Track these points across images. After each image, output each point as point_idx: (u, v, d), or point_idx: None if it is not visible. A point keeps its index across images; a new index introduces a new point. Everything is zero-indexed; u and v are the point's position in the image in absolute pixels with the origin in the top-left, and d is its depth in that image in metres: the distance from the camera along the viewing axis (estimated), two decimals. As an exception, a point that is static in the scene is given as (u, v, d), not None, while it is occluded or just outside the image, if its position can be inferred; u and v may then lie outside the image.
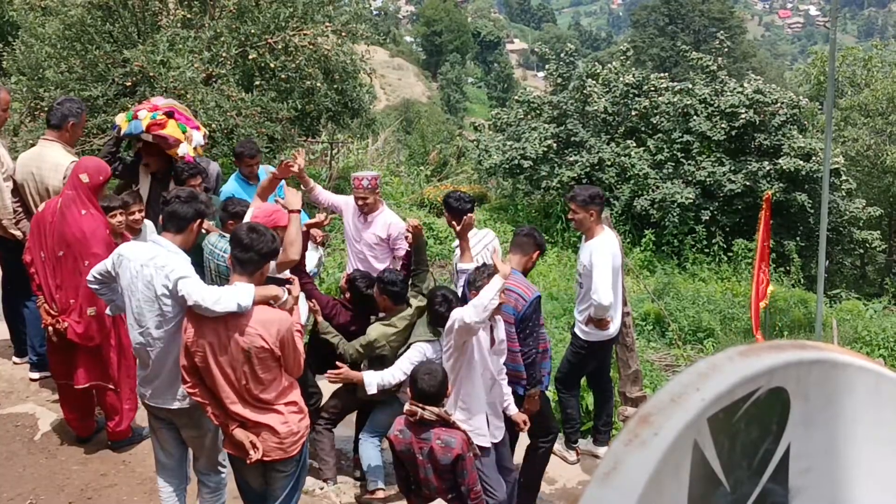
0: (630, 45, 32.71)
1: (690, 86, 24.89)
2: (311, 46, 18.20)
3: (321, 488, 8.01)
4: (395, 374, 7.38)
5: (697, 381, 1.35)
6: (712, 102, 24.12)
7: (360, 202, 8.99)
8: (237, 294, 5.62)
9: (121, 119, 8.85)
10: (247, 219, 7.12)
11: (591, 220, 8.25)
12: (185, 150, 9.24)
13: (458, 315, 6.74)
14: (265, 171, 9.92)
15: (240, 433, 5.87)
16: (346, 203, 9.25)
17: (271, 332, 5.69)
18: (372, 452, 7.93)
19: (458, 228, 7.85)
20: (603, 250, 8.25)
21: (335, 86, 19.26)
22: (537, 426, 7.82)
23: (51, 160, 8.37)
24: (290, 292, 6.06)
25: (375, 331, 7.74)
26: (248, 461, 5.91)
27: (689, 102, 24.09)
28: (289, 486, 6.19)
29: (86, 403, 8.09)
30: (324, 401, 8.44)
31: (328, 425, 8.31)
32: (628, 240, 22.22)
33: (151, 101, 9.19)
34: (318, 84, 18.45)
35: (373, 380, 7.39)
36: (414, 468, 6.50)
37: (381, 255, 9.10)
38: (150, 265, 5.95)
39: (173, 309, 5.95)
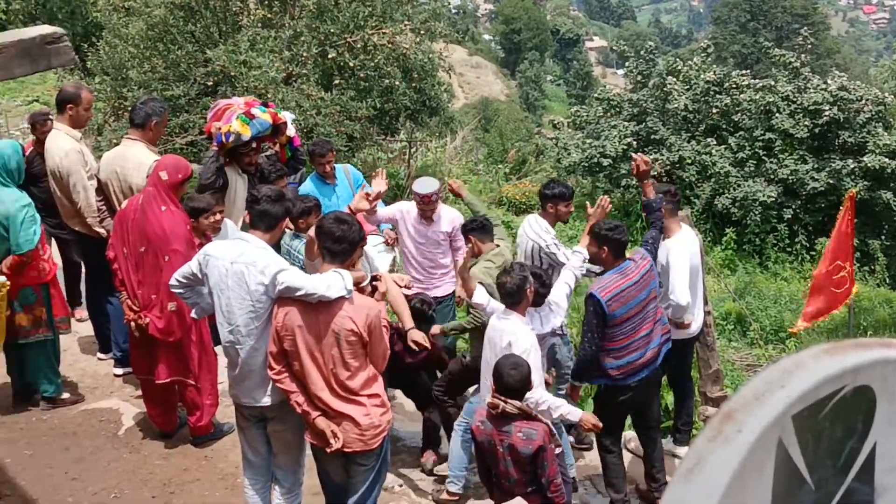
0: (711, 42, 32.25)
1: (773, 83, 24.48)
2: (389, 45, 18.26)
3: (400, 485, 8.03)
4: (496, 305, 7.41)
5: (782, 379, 1.33)
6: (795, 100, 23.71)
7: (428, 213, 8.99)
8: (344, 280, 5.75)
9: (237, 127, 8.62)
10: None
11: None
12: (292, 131, 9.41)
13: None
14: (342, 170, 9.97)
15: (321, 422, 5.93)
16: (400, 211, 9.19)
17: (361, 316, 5.78)
18: (459, 448, 7.89)
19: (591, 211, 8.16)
20: (680, 249, 8.16)
21: (413, 84, 19.28)
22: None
23: (134, 159, 8.48)
24: (377, 288, 6.13)
25: (480, 273, 7.81)
26: (327, 450, 5.96)
27: (771, 100, 23.70)
28: (369, 479, 6.22)
29: (168, 399, 8.20)
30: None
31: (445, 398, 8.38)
32: (709, 238, 21.94)
33: (232, 102, 9.16)
34: (397, 83, 18.48)
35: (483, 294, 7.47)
36: (494, 460, 6.50)
37: (446, 250, 9.14)
38: (241, 262, 6.01)
39: (265, 305, 6.01)
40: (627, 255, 7.64)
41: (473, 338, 8.21)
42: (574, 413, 7.06)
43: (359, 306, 5.83)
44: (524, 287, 6.96)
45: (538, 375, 6.85)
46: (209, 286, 6.21)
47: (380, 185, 8.53)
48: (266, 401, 6.24)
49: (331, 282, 5.73)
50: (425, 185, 8.98)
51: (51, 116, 10.32)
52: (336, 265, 5.90)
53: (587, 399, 9.70)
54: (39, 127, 9.86)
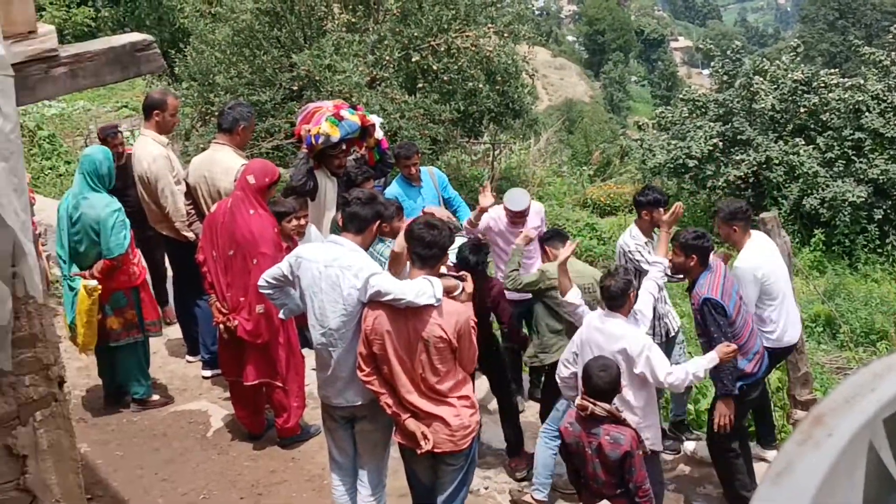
0: (799, 41, 31.82)
1: (862, 81, 24.08)
2: (473, 48, 18.29)
3: (486, 488, 8.02)
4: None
5: (872, 382, 1.31)
6: (885, 98, 23.29)
7: (520, 227, 8.91)
8: (434, 287, 5.74)
9: (327, 128, 8.71)
10: None
11: (735, 235, 8.01)
12: (380, 134, 9.47)
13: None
14: (427, 173, 9.99)
15: (412, 423, 5.93)
16: (493, 219, 9.15)
17: (451, 322, 5.77)
18: (545, 455, 7.86)
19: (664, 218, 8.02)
20: (743, 266, 8.01)
21: (497, 87, 19.30)
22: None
23: (222, 163, 8.58)
24: (465, 289, 6.10)
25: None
26: (418, 452, 5.97)
27: (860, 98, 23.31)
28: (457, 479, 6.21)
29: (256, 401, 8.27)
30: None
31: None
32: (797, 240, 21.65)
33: (321, 105, 9.24)
34: (480, 85, 18.52)
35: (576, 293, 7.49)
36: (582, 462, 6.46)
37: (533, 252, 9.08)
38: (335, 265, 6.02)
39: (357, 308, 6.02)
40: None
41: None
42: (708, 359, 7.07)
43: (448, 313, 5.80)
44: (627, 290, 6.93)
45: (664, 364, 6.78)
46: (301, 288, 6.24)
47: (487, 199, 8.72)
48: (357, 400, 6.25)
49: (420, 289, 5.72)
50: (517, 201, 8.82)
51: (120, 129, 10.49)
52: (426, 271, 5.89)
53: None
54: (111, 140, 10.01)
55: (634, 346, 6.75)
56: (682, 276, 7.84)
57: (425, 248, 5.90)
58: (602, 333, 6.92)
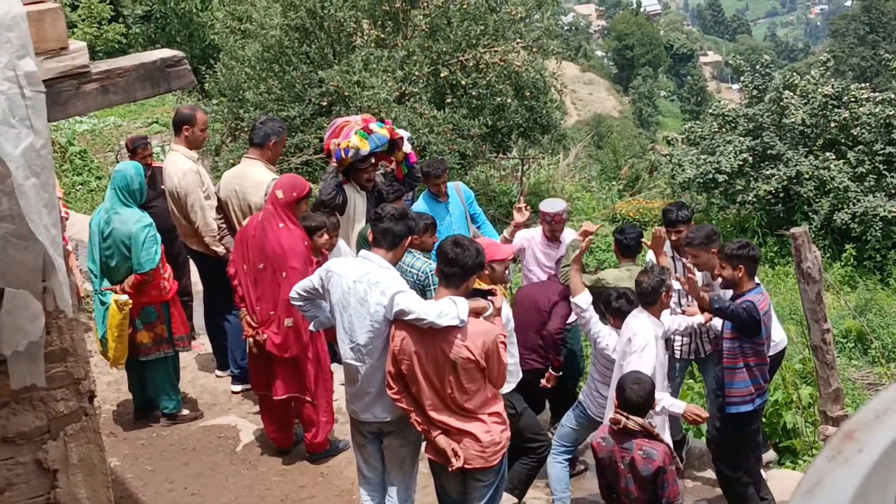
0: (829, 55, 31.64)
1: (893, 96, 23.90)
2: (501, 63, 18.31)
3: (514, 502, 8.00)
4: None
5: (904, 398, 1.29)
6: (917, 112, 23.17)
7: (557, 232, 9.00)
8: (458, 308, 5.72)
9: (356, 142, 8.76)
10: None
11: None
12: (408, 147, 9.49)
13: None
14: (453, 188, 10.00)
15: (442, 440, 5.92)
16: (526, 239, 9.19)
17: (477, 343, 5.76)
18: (560, 473, 7.88)
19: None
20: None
21: (525, 102, 19.30)
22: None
23: (253, 178, 8.61)
24: (493, 304, 6.09)
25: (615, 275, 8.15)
26: (449, 469, 5.95)
27: (891, 113, 23.12)
28: (487, 495, 6.20)
29: (285, 415, 8.28)
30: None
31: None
32: (828, 255, 21.49)
33: (350, 119, 9.29)
34: (509, 100, 18.53)
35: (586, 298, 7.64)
36: (615, 477, 6.42)
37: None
38: (364, 281, 6.03)
39: (385, 324, 6.01)
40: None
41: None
42: (677, 405, 7.14)
43: (474, 333, 5.79)
44: (659, 290, 7.05)
45: (650, 370, 6.78)
46: (330, 303, 6.25)
47: (522, 215, 9.04)
48: (385, 416, 6.24)
49: (443, 309, 5.71)
50: (553, 204, 9.08)
51: (149, 140, 10.53)
52: (451, 291, 5.87)
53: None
54: (141, 151, 10.03)
55: (638, 342, 6.87)
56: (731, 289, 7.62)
57: (447, 266, 5.89)
58: (626, 325, 7.09)
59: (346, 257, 7.55)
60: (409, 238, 6.38)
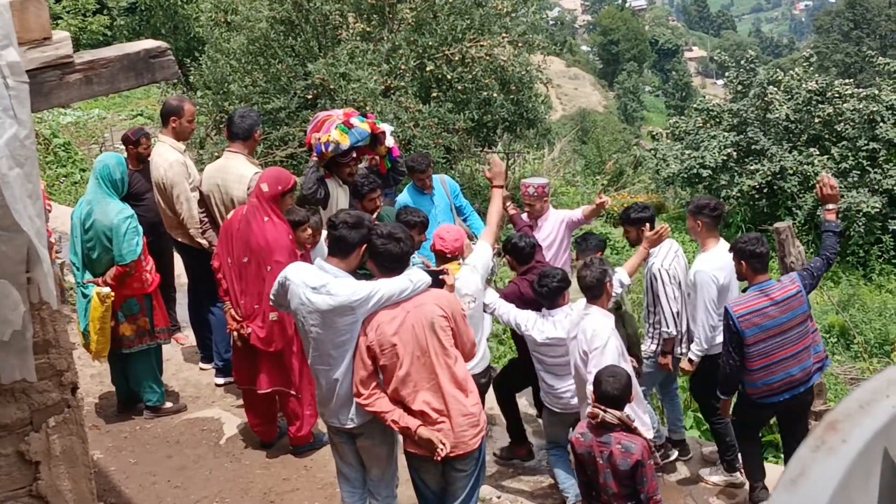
0: (813, 51, 31.76)
1: (877, 92, 24.03)
2: (487, 57, 18.32)
3: (498, 496, 8.00)
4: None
5: (887, 388, 1.29)
6: (899, 109, 23.29)
7: (527, 208, 9.08)
8: (419, 275, 5.95)
9: (336, 136, 8.74)
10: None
11: (698, 229, 7.99)
12: (391, 142, 9.49)
13: None
14: (438, 180, 10.00)
15: (424, 431, 5.87)
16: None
17: (444, 302, 5.92)
18: (559, 467, 7.92)
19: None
20: (705, 269, 7.93)
21: (511, 96, 19.32)
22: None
23: (235, 171, 8.58)
24: (445, 282, 6.20)
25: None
26: (435, 458, 5.91)
27: (875, 109, 23.26)
28: (468, 485, 6.20)
29: (269, 409, 8.27)
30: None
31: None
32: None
33: (331, 114, 9.27)
34: (495, 95, 18.53)
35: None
36: (594, 472, 6.41)
37: (556, 253, 9.08)
38: (323, 292, 5.90)
39: (348, 334, 5.94)
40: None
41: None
42: (624, 277, 7.72)
43: (437, 295, 5.97)
44: (603, 280, 6.99)
45: (615, 359, 6.83)
46: (292, 309, 6.22)
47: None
48: (349, 423, 6.18)
49: (409, 279, 5.89)
50: (534, 179, 9.41)
51: (149, 133, 10.48)
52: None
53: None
54: (144, 141, 9.87)
55: (597, 340, 6.84)
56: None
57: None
58: (579, 329, 7.05)
59: (306, 264, 7.47)
60: (364, 246, 6.09)
